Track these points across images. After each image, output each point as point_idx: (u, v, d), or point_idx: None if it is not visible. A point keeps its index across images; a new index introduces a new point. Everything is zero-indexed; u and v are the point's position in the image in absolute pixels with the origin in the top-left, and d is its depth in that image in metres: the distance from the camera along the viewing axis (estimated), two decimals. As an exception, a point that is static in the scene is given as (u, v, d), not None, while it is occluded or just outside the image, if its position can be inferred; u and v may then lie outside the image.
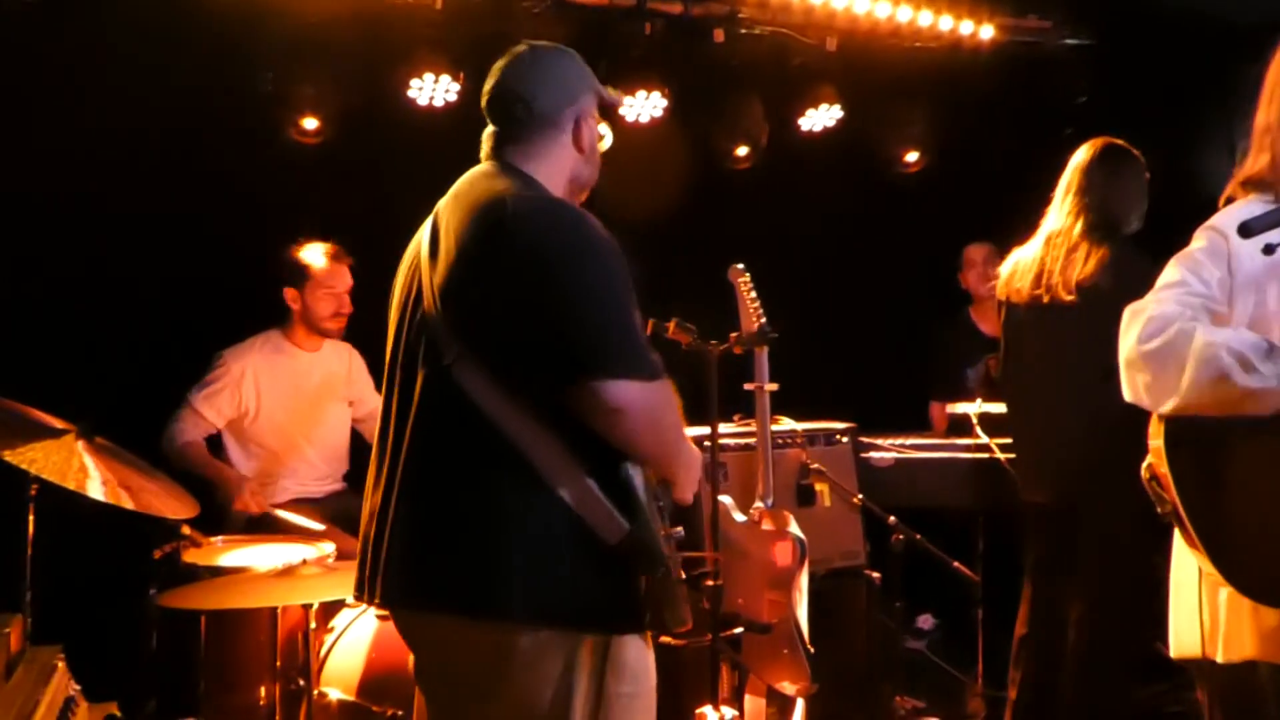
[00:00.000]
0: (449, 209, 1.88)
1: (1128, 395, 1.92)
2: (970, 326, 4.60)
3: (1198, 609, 1.94)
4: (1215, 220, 1.95)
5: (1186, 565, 1.99)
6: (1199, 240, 1.95)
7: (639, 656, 1.81)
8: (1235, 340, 1.78)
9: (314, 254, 3.70)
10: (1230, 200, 2.01)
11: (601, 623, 1.75)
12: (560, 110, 1.95)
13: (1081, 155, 3.23)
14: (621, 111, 4.28)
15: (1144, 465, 1.95)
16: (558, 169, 1.95)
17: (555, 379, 1.70)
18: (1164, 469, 1.85)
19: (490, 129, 1.99)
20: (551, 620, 1.72)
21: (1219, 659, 1.91)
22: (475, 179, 1.92)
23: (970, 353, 4.48)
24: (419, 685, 1.98)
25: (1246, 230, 1.54)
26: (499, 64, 2.00)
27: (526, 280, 1.72)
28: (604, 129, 2.06)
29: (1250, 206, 1.91)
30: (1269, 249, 1.54)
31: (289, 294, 3.70)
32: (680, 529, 1.93)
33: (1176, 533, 2.00)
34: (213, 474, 3.57)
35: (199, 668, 2.78)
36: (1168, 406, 1.83)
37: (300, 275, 3.68)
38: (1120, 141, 3.23)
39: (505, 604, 1.70)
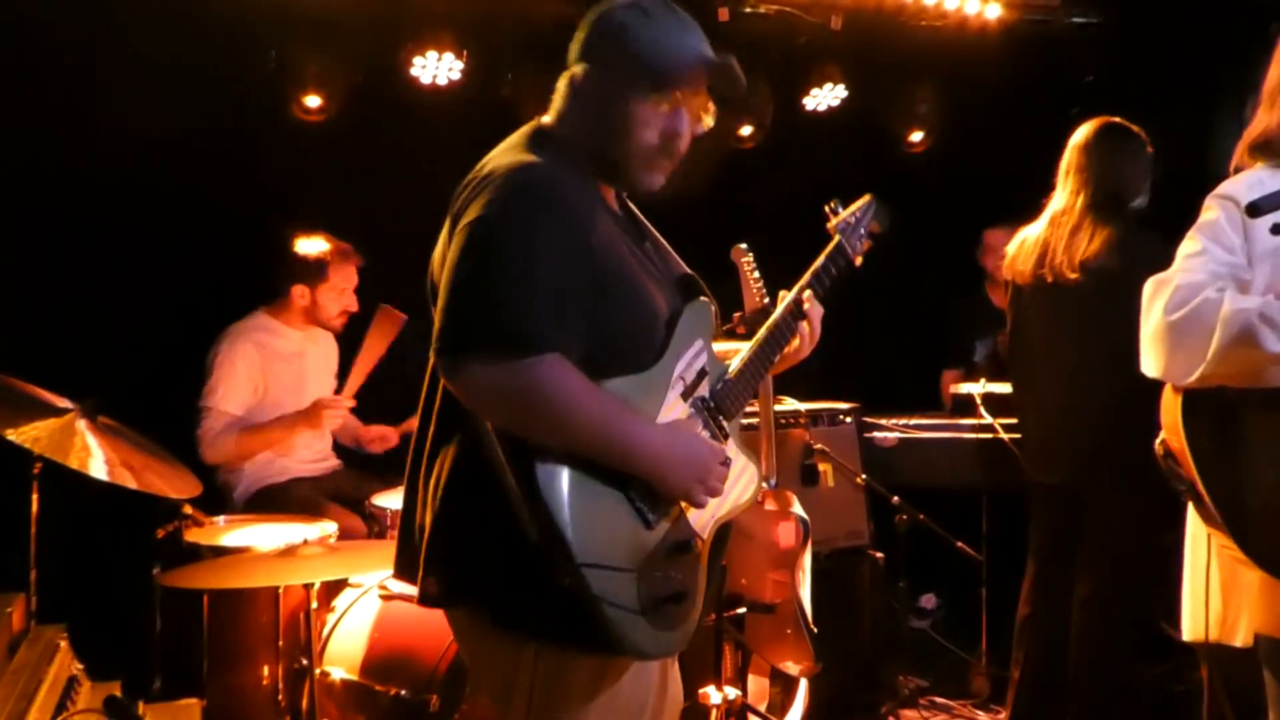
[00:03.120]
0: None
1: (1151, 369, 1.90)
2: (986, 302, 4.60)
3: (1205, 592, 1.93)
4: (1226, 189, 1.93)
5: (1200, 548, 1.97)
6: (1213, 210, 1.92)
7: (594, 682, 1.64)
8: (1265, 306, 1.76)
9: (328, 254, 3.67)
10: (1239, 169, 1.99)
11: (530, 627, 1.61)
12: (591, 59, 1.77)
13: (1081, 134, 3.21)
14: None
15: (1158, 442, 1.94)
16: (571, 127, 1.77)
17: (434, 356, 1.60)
18: (1180, 444, 1.83)
19: None
20: (478, 605, 1.65)
21: (1238, 643, 1.90)
22: None
23: (983, 327, 4.52)
24: None
25: (1255, 210, 1.51)
26: None
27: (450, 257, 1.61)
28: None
29: (1259, 174, 1.90)
30: (1277, 228, 1.52)
31: (297, 289, 3.68)
32: (698, 541, 1.71)
33: (1191, 513, 2.01)
34: (278, 434, 3.57)
35: (202, 647, 2.78)
36: (1194, 376, 1.80)
37: (315, 274, 3.66)
38: (1119, 119, 3.20)
39: (445, 588, 1.66)
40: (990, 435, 3.79)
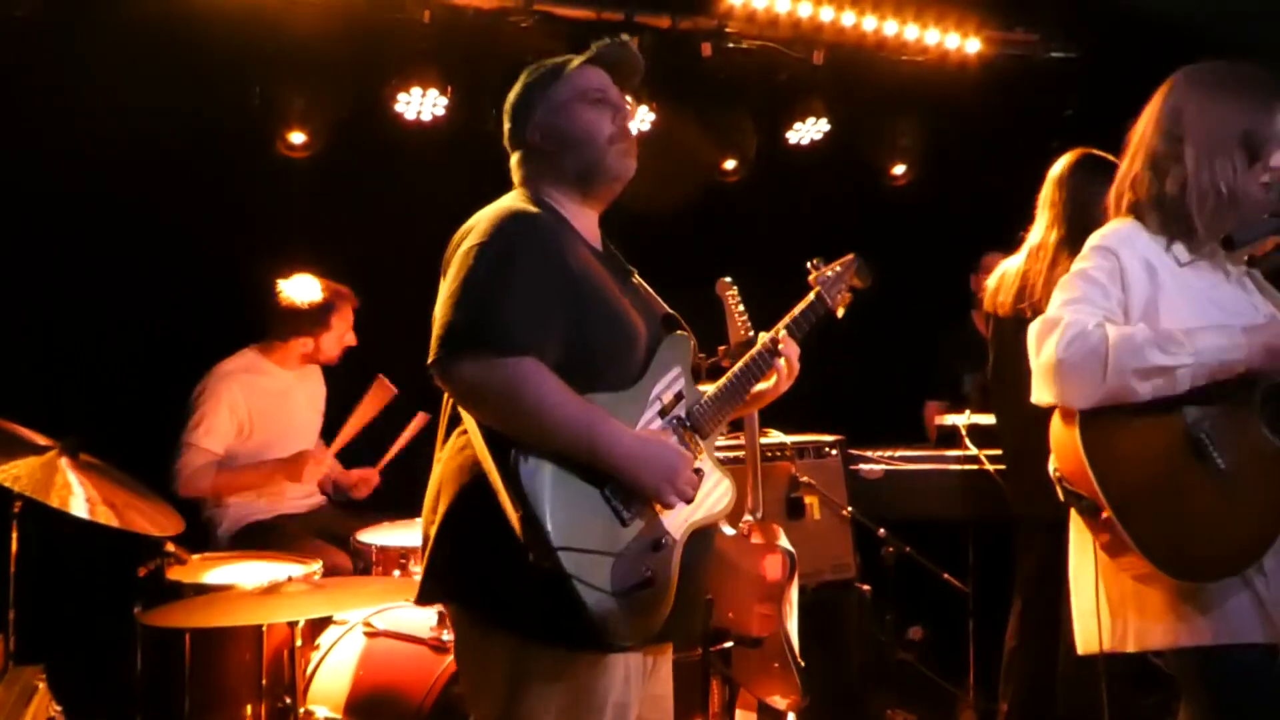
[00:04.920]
0: None
1: (1046, 398, 2.03)
2: (973, 332, 4.61)
3: (1095, 604, 2.07)
4: (1103, 242, 2.11)
5: (1085, 561, 2.10)
6: (1088, 260, 2.10)
7: (561, 676, 1.78)
8: (1146, 329, 1.95)
9: (328, 300, 3.67)
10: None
11: (502, 620, 1.78)
12: (520, 128, 2.03)
13: (1058, 167, 3.25)
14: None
15: (1051, 469, 2.09)
16: (544, 176, 2.01)
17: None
18: (1079, 465, 1.96)
19: None
20: (461, 603, 1.86)
21: (1130, 649, 2.02)
22: None
23: (970, 358, 4.51)
24: None
25: (1230, 244, 1.60)
26: None
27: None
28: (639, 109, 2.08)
29: (1130, 230, 2.10)
30: (1253, 261, 1.57)
31: (300, 341, 3.69)
32: (670, 540, 1.84)
33: (1073, 528, 2.16)
34: (256, 479, 3.58)
35: (184, 686, 2.74)
36: (1093, 399, 1.95)
37: (318, 323, 3.68)
38: (1097, 151, 3.23)
39: (435, 587, 1.88)
40: (975, 467, 3.79)
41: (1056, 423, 2.05)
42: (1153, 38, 4.38)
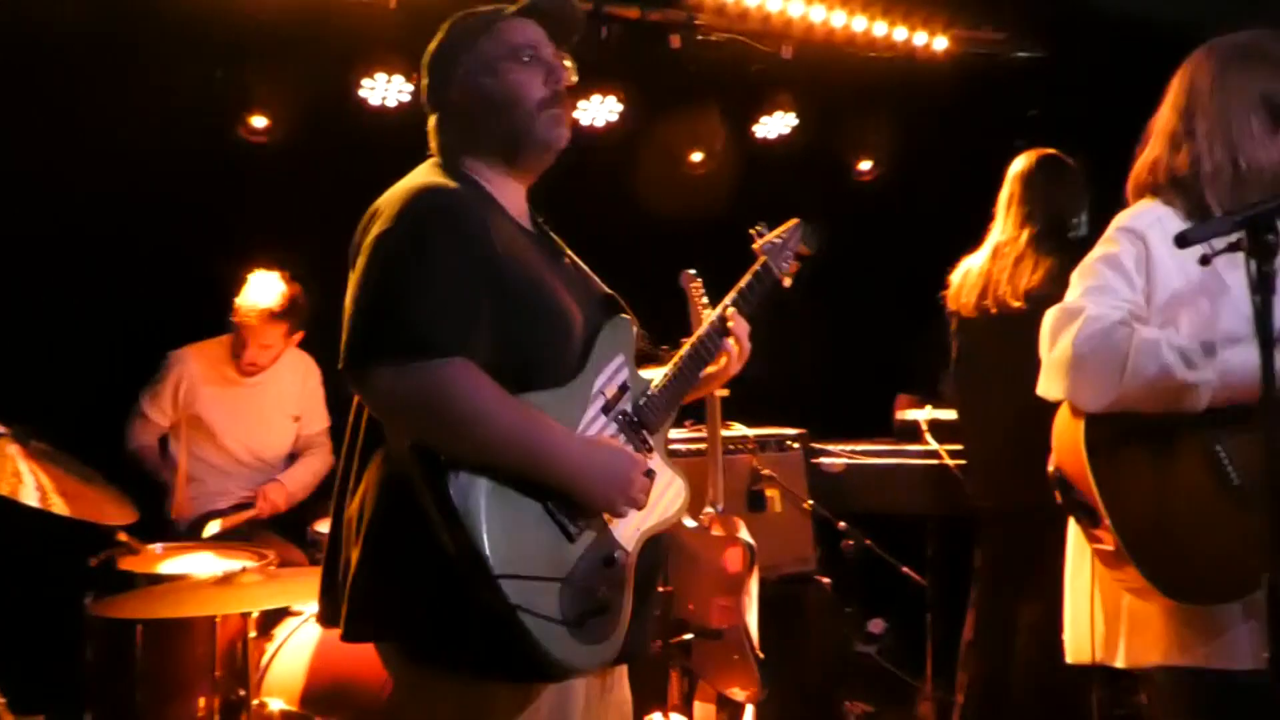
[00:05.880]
0: None
1: (1055, 392, 1.92)
2: (942, 332, 4.63)
3: (1090, 614, 1.97)
4: (1131, 223, 1.97)
5: (1081, 569, 2.01)
6: (1115, 244, 1.96)
7: (513, 711, 1.59)
8: (1175, 337, 1.81)
9: (250, 296, 3.55)
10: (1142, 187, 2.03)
11: (447, 660, 1.57)
12: (439, 87, 1.84)
13: (1020, 165, 3.28)
14: (577, 115, 4.26)
15: (1050, 466, 1.96)
16: (463, 143, 1.81)
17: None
18: (1081, 468, 1.85)
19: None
20: (397, 640, 1.63)
21: (1119, 664, 1.93)
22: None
23: (940, 357, 4.53)
24: None
25: (1184, 241, 1.55)
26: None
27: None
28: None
29: (1154, 211, 1.95)
30: (1205, 259, 1.56)
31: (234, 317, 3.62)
32: (623, 554, 1.67)
33: (1071, 535, 2.05)
34: (162, 479, 3.56)
35: (135, 678, 2.68)
36: (1104, 402, 1.84)
37: (232, 312, 3.59)
38: (1056, 151, 3.28)
39: (366, 624, 1.64)
40: (935, 461, 3.82)
41: (1063, 417, 1.94)
42: (1118, 40, 4.42)
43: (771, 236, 2.20)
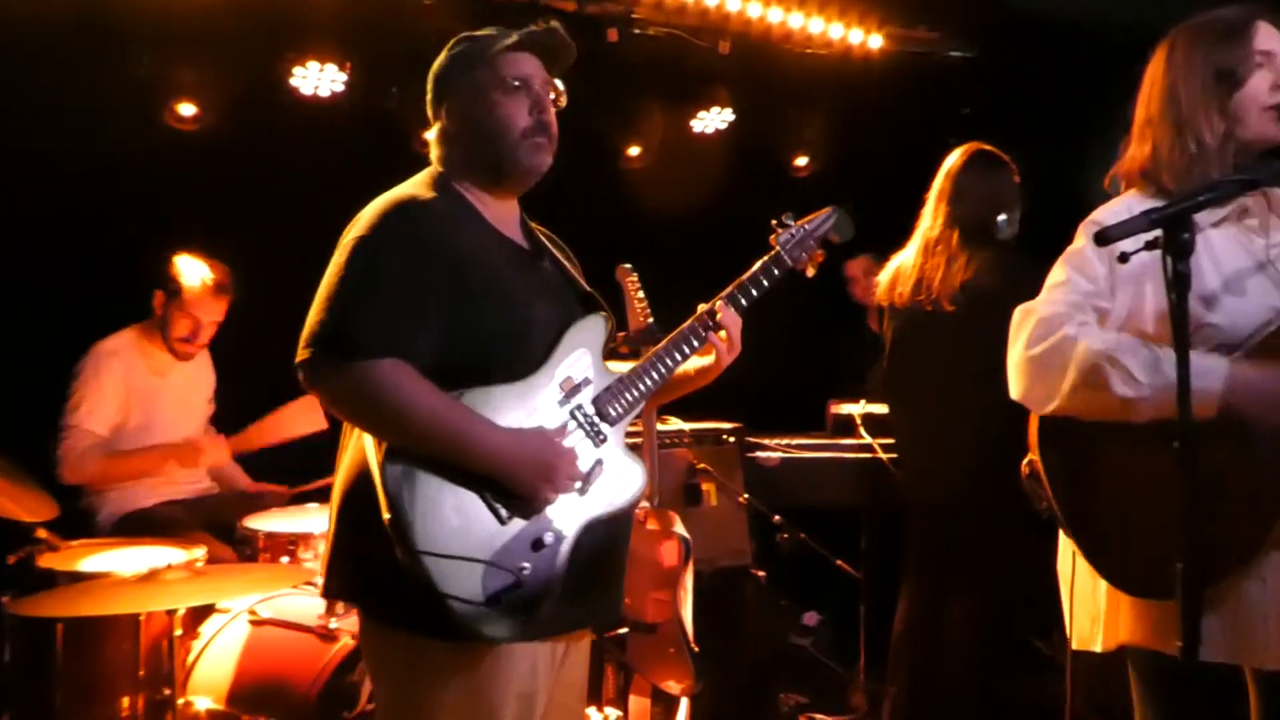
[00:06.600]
0: None
1: (1013, 394, 1.96)
2: (868, 331, 4.69)
3: (1070, 602, 2.01)
4: (1096, 215, 2.00)
5: (1067, 559, 2.04)
6: (1081, 238, 1.99)
7: (451, 668, 1.75)
8: (1119, 349, 1.81)
9: (194, 274, 3.50)
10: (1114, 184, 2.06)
11: (389, 618, 1.78)
12: (439, 104, 1.98)
13: (952, 160, 3.30)
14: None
15: (1025, 462, 2.01)
16: (455, 160, 1.95)
17: None
18: (1040, 466, 1.91)
19: None
20: (355, 600, 1.87)
21: (1098, 648, 1.97)
22: None
23: (868, 355, 4.59)
24: None
25: (1103, 239, 1.58)
26: None
27: None
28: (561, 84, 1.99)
29: (1127, 201, 1.97)
30: (1123, 257, 1.58)
31: (157, 297, 3.54)
32: (555, 538, 1.77)
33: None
34: (148, 464, 3.45)
35: (55, 679, 2.62)
36: (1049, 409, 1.88)
37: (172, 287, 3.51)
38: (989, 146, 3.30)
39: (336, 584, 1.87)
40: (869, 455, 3.86)
41: (1032, 420, 1.97)
42: (1045, 42, 4.51)
43: (795, 226, 2.19)
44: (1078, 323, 1.86)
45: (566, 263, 2.08)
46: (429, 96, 1.99)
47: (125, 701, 2.67)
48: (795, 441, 4.11)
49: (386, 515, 1.68)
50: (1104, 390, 1.79)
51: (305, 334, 1.74)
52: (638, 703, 3.21)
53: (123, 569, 2.74)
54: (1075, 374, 1.81)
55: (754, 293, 2.09)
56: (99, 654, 2.67)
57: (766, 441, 4.11)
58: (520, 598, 1.73)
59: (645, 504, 3.22)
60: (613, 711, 2.93)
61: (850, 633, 4.14)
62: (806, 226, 2.20)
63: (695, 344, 2.01)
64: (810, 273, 2.20)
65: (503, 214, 1.97)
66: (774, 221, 2.19)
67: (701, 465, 3.71)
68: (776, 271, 2.13)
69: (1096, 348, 1.81)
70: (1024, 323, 1.93)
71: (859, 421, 3.96)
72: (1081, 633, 2.01)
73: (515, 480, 1.74)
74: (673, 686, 3.08)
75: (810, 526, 3.70)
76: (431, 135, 2.00)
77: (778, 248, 2.15)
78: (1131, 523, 1.84)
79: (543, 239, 2.06)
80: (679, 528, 3.11)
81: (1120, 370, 1.78)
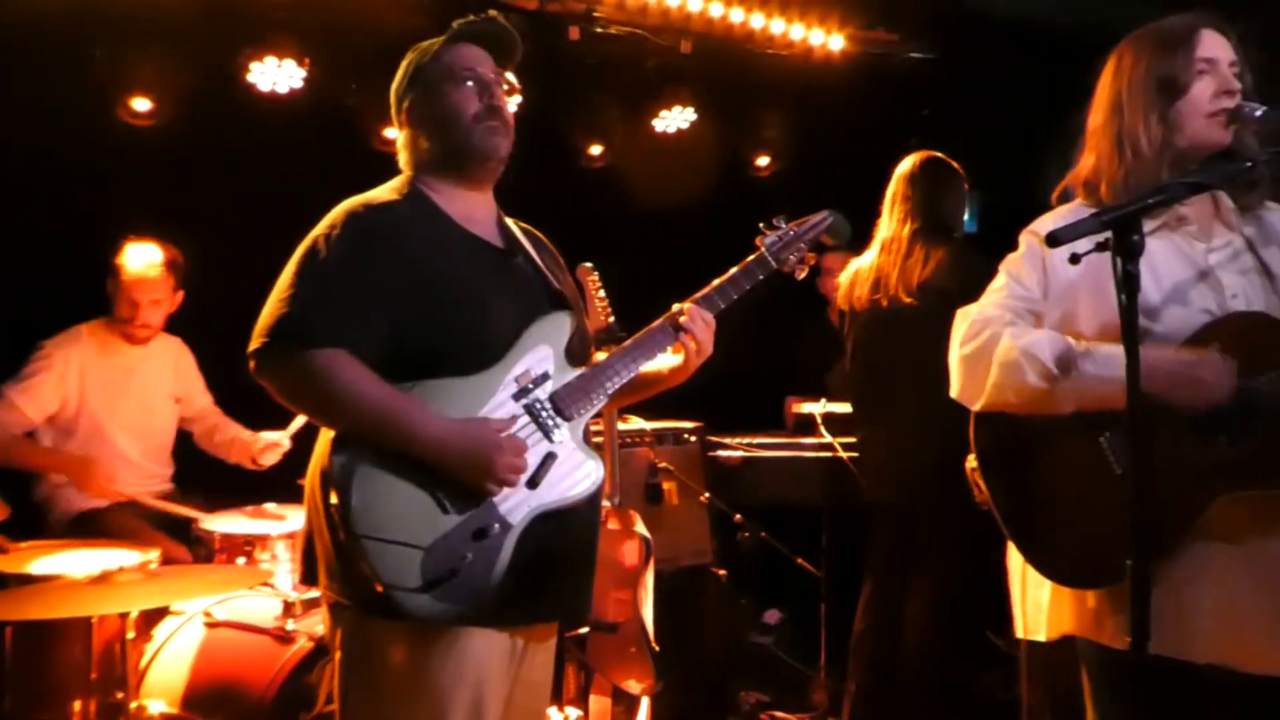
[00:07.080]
0: None
1: (952, 392, 2.01)
2: (829, 328, 4.70)
3: (1022, 593, 2.09)
4: (1034, 224, 2.04)
5: (1016, 553, 2.05)
6: (1020, 245, 2.04)
7: (397, 647, 1.79)
8: (1038, 345, 1.84)
9: (133, 255, 3.49)
10: (1064, 197, 2.09)
11: (343, 596, 1.82)
12: (399, 112, 2.04)
13: (906, 165, 3.37)
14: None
15: (969, 459, 2.04)
16: (419, 160, 2.01)
17: None
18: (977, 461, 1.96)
19: None
20: (310, 574, 1.93)
21: (1042, 638, 2.01)
22: None
23: (828, 353, 4.60)
24: None
25: (1054, 240, 1.60)
26: None
27: None
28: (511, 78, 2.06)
29: (1074, 210, 1.99)
30: (1074, 258, 1.60)
31: (108, 284, 3.52)
32: (499, 528, 1.79)
33: None
34: (50, 463, 3.41)
35: (4, 682, 2.59)
36: (978, 405, 1.94)
37: (112, 270, 3.49)
38: (940, 154, 3.38)
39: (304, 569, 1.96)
40: (830, 455, 3.89)
41: (973, 417, 2.01)
42: (1002, 46, 4.56)
43: (785, 228, 2.17)
44: (1006, 323, 1.91)
45: (544, 260, 2.08)
46: (392, 110, 2.05)
47: (77, 705, 2.63)
48: (757, 440, 4.12)
49: (333, 500, 1.74)
50: (1021, 383, 1.84)
51: (257, 325, 1.80)
52: (598, 702, 3.20)
53: (74, 571, 2.69)
54: (996, 369, 1.87)
55: (734, 295, 2.09)
56: (50, 657, 2.63)
57: (728, 440, 4.12)
58: (461, 585, 1.76)
59: (606, 503, 3.22)
60: (573, 711, 2.93)
61: (811, 631, 4.16)
62: (797, 229, 2.19)
63: (656, 349, 2.01)
64: (800, 275, 2.18)
65: (473, 211, 1.99)
66: (762, 224, 2.17)
67: (663, 464, 3.71)
68: (760, 274, 2.13)
69: (1015, 343, 1.86)
70: (960, 324, 1.98)
71: (819, 421, 3.98)
72: (1028, 622, 2.05)
73: (454, 469, 1.78)
74: (633, 686, 3.07)
75: (771, 525, 3.71)
76: (399, 142, 2.05)
77: (762, 249, 2.14)
78: (1059, 515, 1.89)
79: (519, 236, 2.08)
80: (640, 527, 3.11)
81: (1035, 363, 1.82)
